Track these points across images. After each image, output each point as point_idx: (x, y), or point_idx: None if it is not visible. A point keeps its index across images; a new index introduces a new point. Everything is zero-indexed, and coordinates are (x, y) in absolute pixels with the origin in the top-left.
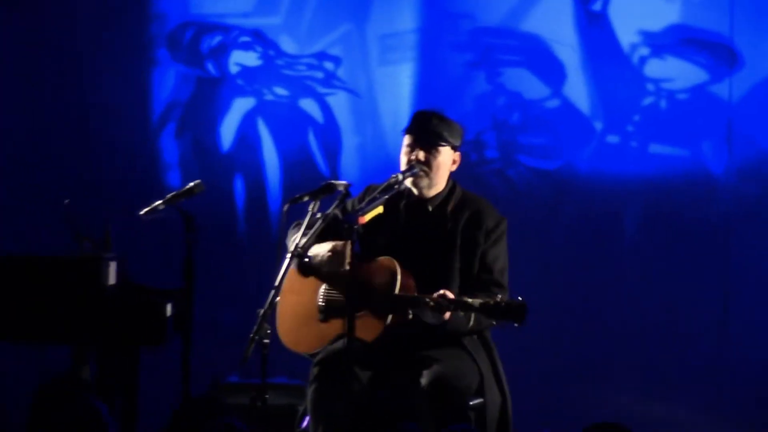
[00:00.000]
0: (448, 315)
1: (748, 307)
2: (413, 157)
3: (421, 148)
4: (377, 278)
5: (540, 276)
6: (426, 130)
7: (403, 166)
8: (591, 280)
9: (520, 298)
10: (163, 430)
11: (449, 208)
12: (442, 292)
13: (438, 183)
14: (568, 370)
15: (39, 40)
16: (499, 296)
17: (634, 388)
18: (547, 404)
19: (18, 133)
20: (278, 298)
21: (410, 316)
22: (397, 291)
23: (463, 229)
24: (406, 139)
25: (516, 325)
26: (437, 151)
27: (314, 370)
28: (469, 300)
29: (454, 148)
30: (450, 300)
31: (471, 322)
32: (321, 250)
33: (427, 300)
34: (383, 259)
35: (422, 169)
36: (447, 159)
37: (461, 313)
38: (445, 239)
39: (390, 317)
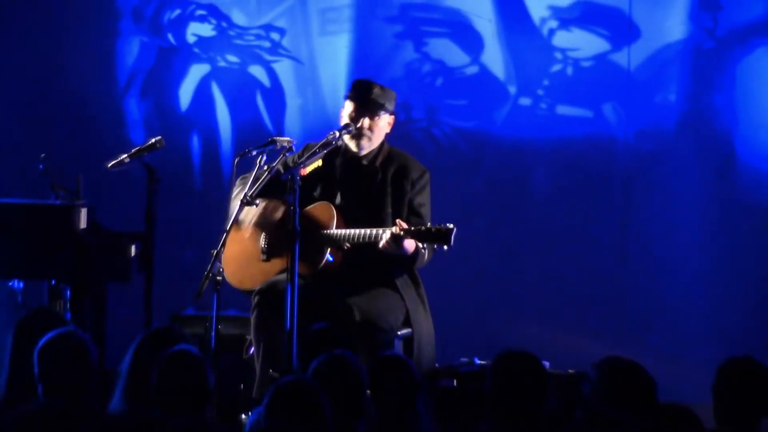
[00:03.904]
0: (411, 243)
1: (643, 249)
2: (360, 125)
3: (366, 116)
4: (315, 220)
5: (462, 222)
6: (369, 100)
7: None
8: (506, 226)
9: (449, 225)
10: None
11: (378, 162)
12: (399, 221)
13: (376, 143)
14: (486, 305)
15: (16, 12)
16: (429, 224)
17: (544, 319)
18: (466, 335)
19: (1, 97)
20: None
21: (347, 246)
22: (333, 228)
23: (392, 180)
24: (349, 106)
25: (445, 247)
26: (379, 117)
27: (255, 299)
28: (413, 228)
29: (390, 113)
30: (405, 228)
31: (426, 256)
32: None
33: (391, 231)
34: (319, 204)
35: (366, 134)
36: (385, 123)
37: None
38: (377, 188)
39: (328, 250)
